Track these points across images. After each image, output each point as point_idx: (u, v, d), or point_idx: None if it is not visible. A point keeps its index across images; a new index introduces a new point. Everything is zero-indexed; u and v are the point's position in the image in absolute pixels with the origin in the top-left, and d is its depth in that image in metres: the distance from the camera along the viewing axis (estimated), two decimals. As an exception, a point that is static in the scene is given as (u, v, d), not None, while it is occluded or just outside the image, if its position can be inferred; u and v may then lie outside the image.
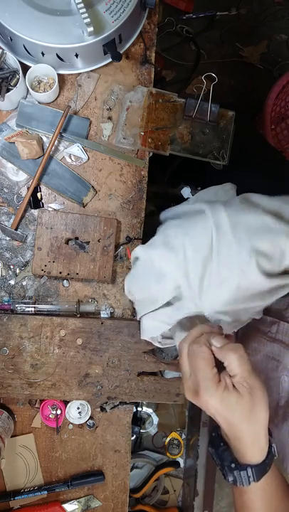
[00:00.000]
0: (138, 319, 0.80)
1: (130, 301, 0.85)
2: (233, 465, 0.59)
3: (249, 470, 0.58)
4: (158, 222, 0.86)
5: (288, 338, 0.80)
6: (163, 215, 0.89)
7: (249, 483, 0.59)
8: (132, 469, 1.47)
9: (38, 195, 0.81)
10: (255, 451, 0.59)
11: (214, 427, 0.64)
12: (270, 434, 0.61)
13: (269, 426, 0.61)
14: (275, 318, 0.83)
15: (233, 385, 0.58)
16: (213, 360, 0.60)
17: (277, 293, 0.73)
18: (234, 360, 0.58)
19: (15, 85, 0.77)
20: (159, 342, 0.80)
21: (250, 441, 0.58)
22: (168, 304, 0.75)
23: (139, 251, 0.77)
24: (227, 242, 0.69)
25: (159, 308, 0.76)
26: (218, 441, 0.63)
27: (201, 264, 0.70)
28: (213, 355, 0.61)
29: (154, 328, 0.78)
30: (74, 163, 0.82)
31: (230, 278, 0.69)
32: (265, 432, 0.59)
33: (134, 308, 0.85)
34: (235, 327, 0.79)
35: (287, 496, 0.64)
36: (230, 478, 0.60)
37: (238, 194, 0.91)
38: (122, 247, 0.84)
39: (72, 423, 0.85)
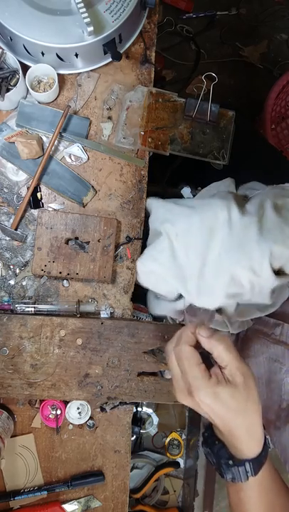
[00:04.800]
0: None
1: (130, 301, 0.85)
2: (230, 462, 0.59)
3: (247, 465, 0.58)
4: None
5: None
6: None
7: (247, 478, 0.58)
8: (132, 469, 1.47)
9: (38, 195, 0.81)
10: (252, 444, 0.58)
11: (206, 427, 0.64)
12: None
13: (271, 428, 0.60)
14: (278, 320, 0.82)
15: (225, 378, 0.57)
16: (198, 357, 0.59)
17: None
18: (222, 350, 0.58)
19: (15, 85, 0.77)
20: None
21: (247, 434, 0.58)
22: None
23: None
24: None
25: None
26: (213, 440, 0.62)
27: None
28: (199, 353, 0.60)
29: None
30: (74, 163, 0.82)
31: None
32: (260, 422, 0.58)
33: (134, 309, 0.85)
34: (239, 327, 0.78)
35: (283, 490, 0.63)
36: (229, 476, 0.59)
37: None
38: (122, 247, 0.84)
39: (72, 423, 0.85)
